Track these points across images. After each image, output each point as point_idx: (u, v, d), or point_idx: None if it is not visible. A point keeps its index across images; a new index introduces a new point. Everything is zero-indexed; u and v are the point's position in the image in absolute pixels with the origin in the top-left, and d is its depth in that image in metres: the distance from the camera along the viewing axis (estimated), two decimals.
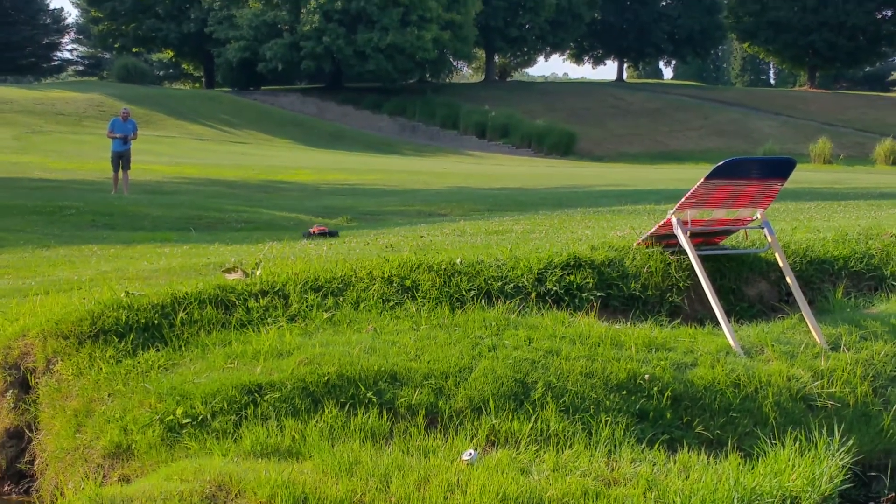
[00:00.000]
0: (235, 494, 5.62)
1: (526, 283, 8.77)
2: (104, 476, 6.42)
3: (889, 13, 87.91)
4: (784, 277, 9.00)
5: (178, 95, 76.91)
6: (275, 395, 6.72)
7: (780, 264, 8.97)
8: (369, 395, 6.81)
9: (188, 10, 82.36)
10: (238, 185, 30.67)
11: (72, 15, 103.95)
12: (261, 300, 8.21)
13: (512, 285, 8.71)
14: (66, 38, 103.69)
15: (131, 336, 7.68)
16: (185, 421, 6.52)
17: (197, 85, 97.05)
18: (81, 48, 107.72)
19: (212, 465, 5.92)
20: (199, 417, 6.54)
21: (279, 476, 5.73)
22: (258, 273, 8.73)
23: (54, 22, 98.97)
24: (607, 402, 7.10)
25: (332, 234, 15.36)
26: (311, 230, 15.80)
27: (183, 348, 7.58)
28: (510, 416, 6.81)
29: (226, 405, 6.62)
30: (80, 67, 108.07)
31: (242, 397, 6.69)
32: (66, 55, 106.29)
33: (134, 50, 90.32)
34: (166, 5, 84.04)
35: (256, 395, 6.73)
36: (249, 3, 73.37)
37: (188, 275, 9.50)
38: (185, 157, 43.32)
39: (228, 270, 9.06)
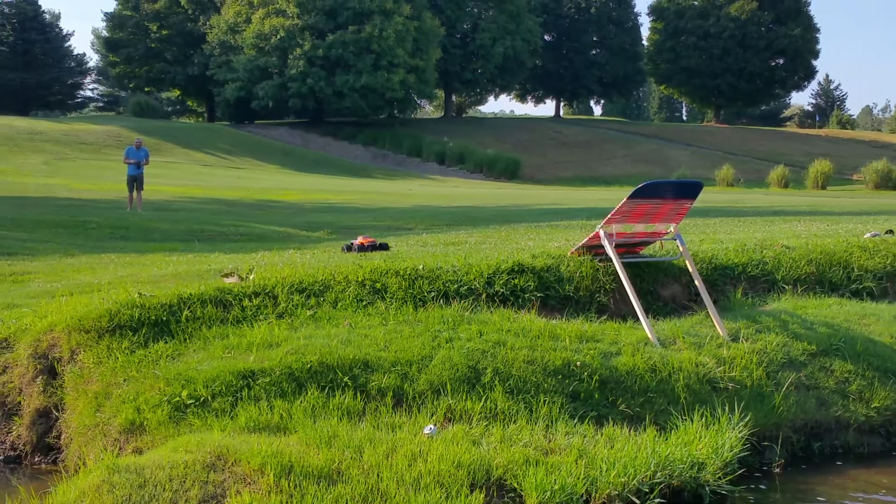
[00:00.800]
0: (232, 463, 5.62)
1: (478, 285, 8.79)
2: (120, 448, 6.39)
3: (781, 61, 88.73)
4: (693, 281, 9.08)
5: (184, 128, 76.46)
6: (266, 379, 6.72)
7: (690, 270, 9.06)
8: (345, 379, 6.82)
9: (192, 55, 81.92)
10: (235, 204, 30.52)
11: (93, 59, 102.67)
12: (254, 300, 8.19)
13: (466, 287, 8.73)
14: (88, 79, 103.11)
15: (143, 330, 7.64)
16: (189, 402, 6.51)
17: (200, 119, 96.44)
18: (101, 87, 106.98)
19: (212, 439, 5.91)
20: (201, 399, 6.53)
21: (269, 447, 5.73)
22: (251, 277, 8.71)
23: (78, 65, 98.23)
24: (546, 385, 7.14)
25: (383, 247, 11.81)
26: (356, 242, 11.90)
27: (187, 341, 7.56)
28: (464, 397, 6.84)
29: (224, 388, 6.61)
30: (100, 104, 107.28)
31: (238, 381, 6.68)
32: (88, 93, 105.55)
33: (146, 89, 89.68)
34: (174, 52, 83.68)
35: (250, 379, 6.72)
36: (245, 50, 72.93)
37: (192, 279, 9.45)
38: (190, 180, 43.07)
39: (226, 275, 9.04)
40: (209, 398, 6.54)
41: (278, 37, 71.36)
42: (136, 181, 26.50)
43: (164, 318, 7.81)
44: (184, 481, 5.45)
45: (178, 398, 6.54)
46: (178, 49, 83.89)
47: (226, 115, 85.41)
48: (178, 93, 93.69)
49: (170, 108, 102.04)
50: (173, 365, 7.07)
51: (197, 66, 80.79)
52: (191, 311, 7.90)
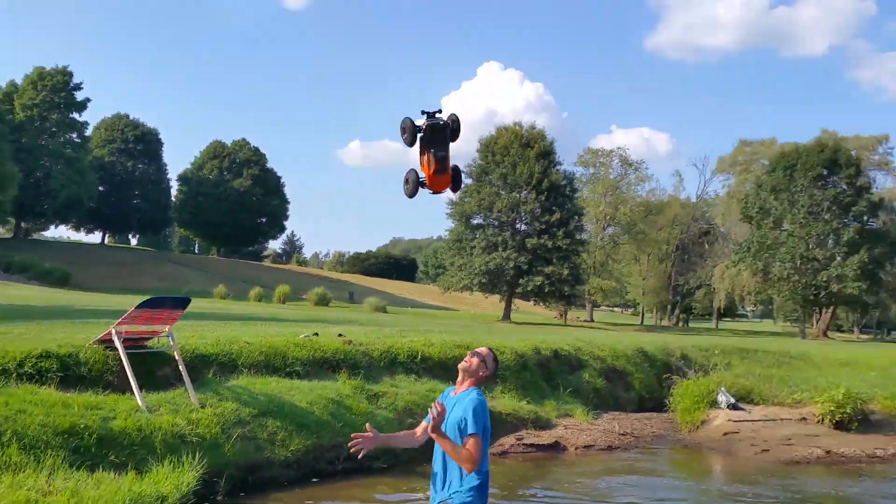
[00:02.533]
0: None
1: (11, 367, 7.64)
2: None
3: (265, 220, 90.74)
4: (179, 366, 8.69)
5: None
6: None
7: (177, 358, 8.66)
8: None
9: None
10: None
11: None
12: None
13: (1, 368, 7.54)
14: None
15: None
16: None
17: None
18: None
19: None
20: None
21: None
22: None
23: None
24: (54, 443, 6.34)
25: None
26: None
27: None
28: None
29: None
30: None
31: None
32: None
33: None
34: None
35: None
36: None
37: None
38: None
39: None
40: None
41: None
42: None
43: None
44: None
45: None
46: None
47: None
48: None
49: None
50: None
51: None
52: None
